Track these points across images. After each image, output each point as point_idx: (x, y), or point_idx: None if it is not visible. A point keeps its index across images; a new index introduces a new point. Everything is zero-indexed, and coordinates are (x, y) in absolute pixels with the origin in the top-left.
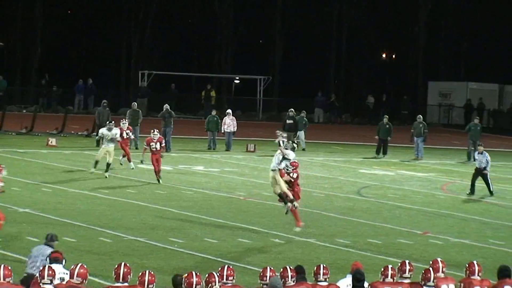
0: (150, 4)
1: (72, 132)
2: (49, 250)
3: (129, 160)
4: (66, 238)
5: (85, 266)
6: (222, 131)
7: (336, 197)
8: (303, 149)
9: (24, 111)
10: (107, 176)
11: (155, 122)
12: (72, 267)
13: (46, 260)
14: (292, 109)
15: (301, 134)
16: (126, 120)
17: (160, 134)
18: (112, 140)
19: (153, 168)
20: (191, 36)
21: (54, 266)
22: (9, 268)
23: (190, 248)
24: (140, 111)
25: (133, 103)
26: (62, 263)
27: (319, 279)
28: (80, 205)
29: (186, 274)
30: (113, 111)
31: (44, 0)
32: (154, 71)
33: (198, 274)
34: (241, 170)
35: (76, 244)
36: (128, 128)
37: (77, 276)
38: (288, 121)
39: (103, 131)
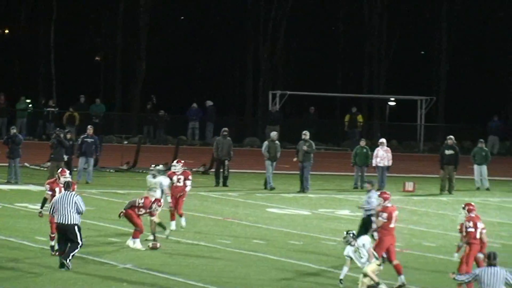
0: (282, 9)
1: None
2: None
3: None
4: None
5: None
6: (374, 165)
7: None
8: (487, 189)
9: (126, 142)
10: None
11: (289, 154)
12: None
13: None
14: (452, 137)
15: (484, 169)
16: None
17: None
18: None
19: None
20: (334, 48)
21: None
22: None
23: None
24: (278, 143)
25: (272, 133)
26: None
27: None
28: (195, 259)
29: None
30: (237, 142)
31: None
32: (288, 91)
33: None
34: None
35: None
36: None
37: None
38: (447, 152)
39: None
